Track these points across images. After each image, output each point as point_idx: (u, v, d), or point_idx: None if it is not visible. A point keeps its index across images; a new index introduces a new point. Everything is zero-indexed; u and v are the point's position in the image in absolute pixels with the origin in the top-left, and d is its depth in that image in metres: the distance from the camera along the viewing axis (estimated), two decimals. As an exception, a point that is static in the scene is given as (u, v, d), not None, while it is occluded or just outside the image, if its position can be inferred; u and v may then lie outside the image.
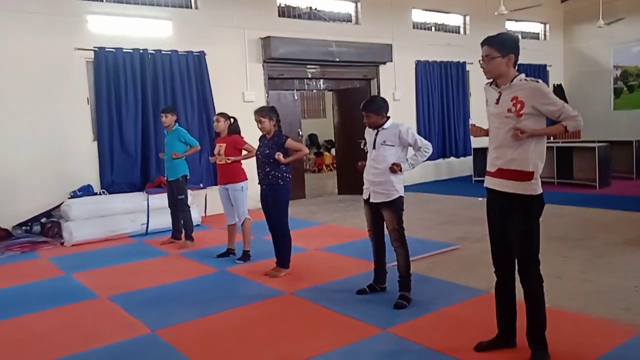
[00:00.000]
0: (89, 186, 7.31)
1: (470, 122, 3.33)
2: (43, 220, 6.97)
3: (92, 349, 3.48)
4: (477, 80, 11.83)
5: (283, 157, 4.79)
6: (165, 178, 6.45)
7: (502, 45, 2.92)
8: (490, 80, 3.05)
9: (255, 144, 5.32)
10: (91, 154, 7.45)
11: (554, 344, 2.99)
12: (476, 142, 10.45)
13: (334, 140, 16.04)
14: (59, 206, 7.02)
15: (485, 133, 3.15)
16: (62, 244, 6.70)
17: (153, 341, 3.58)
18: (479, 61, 3.00)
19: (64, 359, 3.36)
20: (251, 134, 5.77)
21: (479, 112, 11.81)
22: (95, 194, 7.29)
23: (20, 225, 6.87)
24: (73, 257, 6.13)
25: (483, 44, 2.97)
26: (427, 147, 4.06)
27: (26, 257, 6.22)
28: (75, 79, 7.33)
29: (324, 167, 15.32)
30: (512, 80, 2.92)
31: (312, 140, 17.27)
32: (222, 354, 3.34)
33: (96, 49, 7.37)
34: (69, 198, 7.04)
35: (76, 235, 6.63)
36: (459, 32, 12.23)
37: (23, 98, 6.90)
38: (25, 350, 3.56)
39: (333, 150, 14.90)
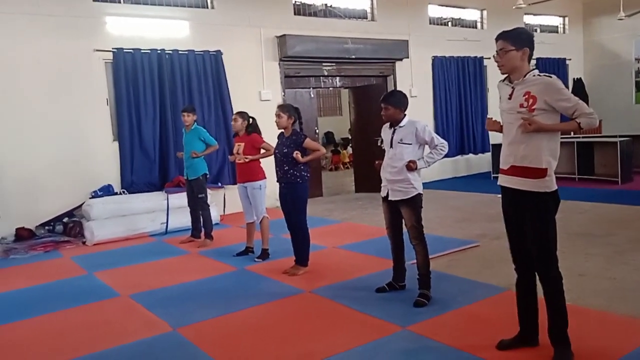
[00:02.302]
0: (110, 186, 7.41)
1: (488, 116, 3.30)
2: (65, 220, 7.09)
3: (115, 347, 3.53)
4: (495, 76, 11.56)
5: (301, 156, 4.80)
6: (185, 177, 6.51)
7: (516, 39, 2.90)
8: (504, 77, 3.02)
9: (273, 142, 5.34)
10: (111, 154, 7.55)
11: (577, 341, 2.96)
12: (494, 138, 10.34)
13: (349, 137, 16.12)
14: (80, 206, 7.13)
15: (500, 128, 3.12)
16: (84, 243, 6.80)
17: (174, 339, 3.62)
18: (494, 56, 2.98)
19: (88, 357, 3.41)
20: (269, 133, 5.79)
21: (497, 107, 11.68)
22: (116, 193, 7.38)
23: (43, 225, 6.99)
24: (95, 256, 6.22)
25: (498, 38, 2.95)
26: (444, 145, 4.03)
27: (49, 256, 6.32)
28: (95, 80, 7.43)
29: (341, 165, 15.29)
30: (525, 75, 2.89)
31: (329, 138, 17.26)
32: (243, 352, 3.37)
33: (115, 50, 7.46)
34: (90, 198, 7.15)
35: (97, 234, 6.73)
36: (476, 27, 12.12)
37: (44, 100, 7.01)
38: (50, 347, 3.62)
39: (349, 148, 14.90)
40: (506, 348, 3.09)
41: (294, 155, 4.79)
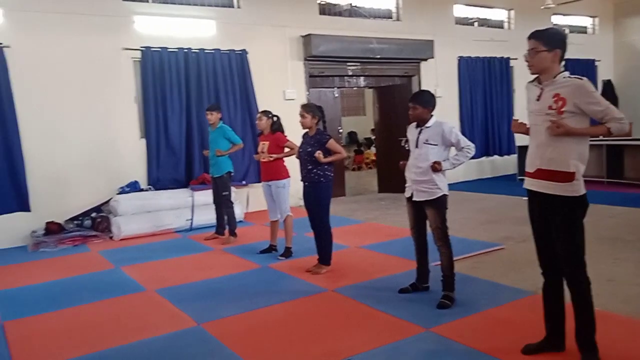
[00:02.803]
0: (136, 182, 7.53)
1: (514, 117, 3.26)
2: (93, 215, 7.23)
3: (142, 340, 3.60)
4: (522, 77, 11.46)
5: (323, 156, 4.81)
6: (210, 175, 6.58)
7: (549, 40, 2.85)
8: (533, 78, 2.98)
9: (297, 141, 5.37)
10: (138, 151, 7.67)
11: (605, 348, 2.91)
12: (520, 140, 10.20)
13: (372, 138, 16.06)
14: (108, 201, 7.27)
15: (526, 130, 3.08)
16: (111, 238, 6.94)
17: (199, 334, 3.67)
18: (524, 55, 2.94)
19: (116, 349, 3.49)
20: (293, 132, 5.82)
21: (524, 109, 11.49)
22: (142, 190, 7.50)
23: (72, 219, 7.14)
24: (121, 250, 6.34)
25: (530, 37, 2.90)
26: (470, 147, 3.99)
27: (78, 250, 6.47)
28: (123, 78, 7.56)
29: (364, 165, 15.26)
30: (555, 77, 2.84)
31: (352, 138, 17.24)
32: (267, 349, 3.39)
33: (143, 48, 7.58)
34: (117, 194, 7.28)
35: (124, 229, 6.86)
36: (502, 27, 11.96)
37: (74, 97, 7.16)
38: (79, 339, 3.70)
39: (373, 148, 14.85)
40: (532, 352, 3.05)
41: (316, 154, 4.80)
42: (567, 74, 2.85)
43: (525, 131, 3.07)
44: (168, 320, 3.95)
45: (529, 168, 2.98)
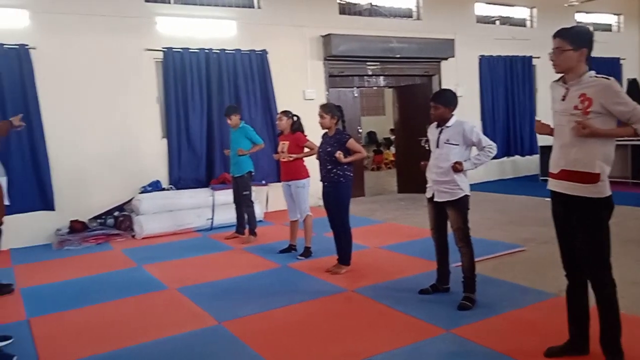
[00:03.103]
0: (158, 182, 7.62)
1: (538, 119, 3.21)
2: (116, 213, 7.34)
3: (164, 338, 3.65)
4: (544, 76, 11.38)
5: (343, 156, 4.81)
6: (231, 174, 6.63)
7: (575, 38, 2.80)
8: (558, 77, 2.94)
9: (317, 141, 5.37)
10: (160, 151, 7.77)
11: (630, 351, 2.86)
12: (543, 140, 10.05)
13: (391, 138, 15.99)
14: (130, 200, 7.37)
15: (550, 131, 3.03)
16: (133, 236, 7.04)
17: (220, 333, 3.71)
18: (549, 54, 2.89)
19: (138, 346, 3.54)
20: (313, 132, 5.83)
21: (546, 108, 11.33)
22: (164, 189, 7.59)
23: (95, 218, 7.26)
24: (144, 249, 6.42)
25: (555, 36, 2.85)
26: (492, 147, 3.94)
27: (101, 248, 6.58)
28: (145, 79, 7.65)
29: (383, 165, 15.21)
30: (581, 77, 2.79)
31: (371, 137, 17.18)
32: (287, 348, 3.41)
33: (164, 49, 7.66)
34: (139, 193, 7.38)
35: (146, 228, 6.95)
36: (525, 26, 11.81)
37: (97, 98, 7.27)
38: (103, 335, 3.77)
39: (392, 148, 14.79)
40: (554, 355, 3.01)
41: (336, 155, 4.80)
42: (593, 73, 2.80)
43: (550, 132, 3.02)
44: (189, 319, 4.00)
45: (553, 169, 2.94)
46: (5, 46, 6.63)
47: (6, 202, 3.79)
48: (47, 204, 6.94)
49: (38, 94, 6.83)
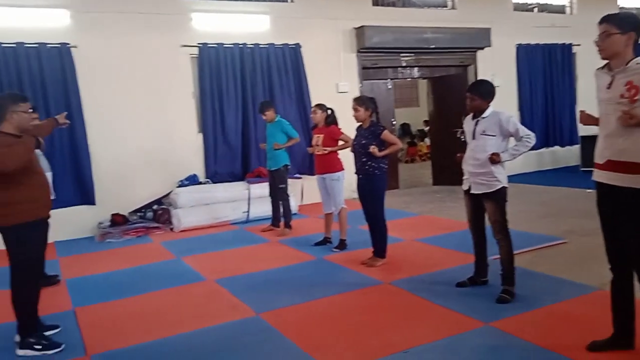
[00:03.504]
0: (195, 176, 7.76)
1: (580, 108, 3.11)
2: (155, 207, 7.51)
3: (204, 328, 3.73)
4: (585, 64, 11.04)
5: (378, 150, 4.79)
6: (267, 168, 6.69)
7: (622, 22, 2.70)
8: (602, 65, 2.84)
9: (350, 134, 5.37)
10: (196, 146, 7.89)
11: (679, 347, 2.77)
12: (584, 130, 9.77)
13: (424, 129, 15.80)
14: (168, 194, 7.53)
15: (596, 122, 2.94)
16: (171, 229, 7.19)
17: (258, 324, 3.76)
18: (595, 40, 2.80)
19: (178, 336, 3.63)
20: (347, 124, 5.83)
21: (587, 97, 10.98)
22: (200, 183, 7.72)
23: (135, 211, 7.45)
24: (182, 242, 6.56)
25: (602, 21, 2.75)
26: (530, 137, 3.84)
27: (141, 241, 6.75)
28: (181, 75, 7.78)
29: (418, 157, 15.07)
30: (627, 63, 2.69)
31: (405, 129, 17.03)
32: (324, 339, 3.43)
33: (200, 45, 7.77)
34: (177, 187, 7.53)
35: (184, 221, 7.09)
36: (564, 12, 11.46)
37: (135, 94, 7.43)
38: (144, 325, 3.88)
39: (427, 140, 14.62)
40: (598, 350, 2.94)
41: (370, 149, 4.78)
42: None
43: (595, 123, 2.93)
44: (228, 310, 4.07)
45: (598, 159, 2.85)
46: (48, 45, 6.84)
47: (52, 197, 3.91)
48: (88, 198, 7.14)
49: (80, 91, 7.03)
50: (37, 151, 3.76)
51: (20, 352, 3.46)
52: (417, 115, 16.88)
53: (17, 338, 3.53)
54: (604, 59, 2.81)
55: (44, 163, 4.57)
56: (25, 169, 3.39)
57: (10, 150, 3.30)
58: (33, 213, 3.48)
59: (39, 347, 3.46)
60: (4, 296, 3.85)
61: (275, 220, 6.77)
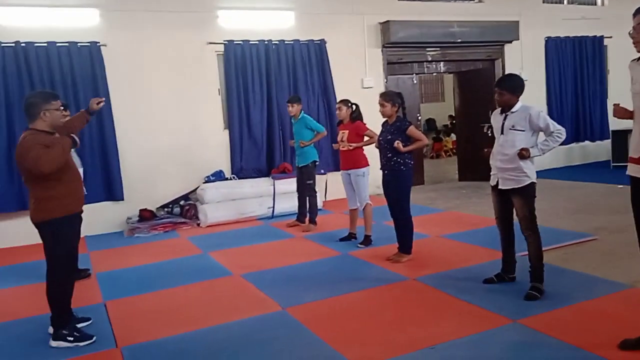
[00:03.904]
0: (221, 171, 7.84)
1: (611, 103, 3.03)
2: (182, 202, 7.61)
3: (230, 322, 3.77)
4: (617, 56, 10.77)
5: (403, 145, 4.76)
6: (296, 164, 6.69)
7: None
8: (637, 56, 2.76)
9: (375, 129, 5.35)
10: (222, 142, 7.97)
11: None
12: (615, 124, 9.54)
13: (449, 124, 15.63)
14: (195, 190, 7.63)
15: (631, 115, 2.87)
16: (198, 224, 7.28)
17: (284, 318, 3.79)
18: (629, 33, 2.73)
19: (206, 330, 3.67)
20: (372, 120, 5.81)
21: (619, 90, 10.72)
22: (226, 179, 7.79)
23: (162, 207, 7.57)
24: (208, 237, 6.64)
25: (636, 13, 2.69)
26: (560, 132, 3.77)
27: (168, 236, 6.85)
28: (208, 72, 7.85)
29: (443, 152, 14.92)
30: None
31: (430, 125, 16.89)
32: (350, 334, 3.44)
33: (226, 42, 7.83)
34: (203, 182, 7.62)
35: (210, 217, 7.17)
36: (595, 4, 11.18)
37: (163, 91, 7.54)
38: (173, 318, 3.94)
39: (452, 135, 14.47)
40: (630, 348, 2.88)
41: (395, 144, 4.75)
42: None
43: (630, 116, 2.86)
44: (254, 304, 4.11)
45: (634, 153, 2.78)
46: (78, 44, 6.99)
47: (84, 192, 4.00)
48: (116, 194, 7.27)
49: (109, 88, 7.16)
50: (71, 148, 3.84)
51: (54, 343, 3.55)
52: (442, 111, 16.73)
53: (51, 330, 3.64)
54: (639, 51, 2.73)
55: (76, 159, 4.67)
56: (55, 170, 3.47)
57: (47, 153, 3.37)
58: (68, 208, 3.57)
59: (72, 338, 3.55)
60: (37, 289, 3.96)
61: (301, 215, 6.80)
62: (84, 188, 4.08)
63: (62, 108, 3.61)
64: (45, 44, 6.81)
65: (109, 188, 7.26)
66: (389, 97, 4.95)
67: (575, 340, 3.07)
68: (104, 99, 4.62)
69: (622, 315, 3.37)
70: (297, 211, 6.90)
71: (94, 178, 6.99)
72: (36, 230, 3.59)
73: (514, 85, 3.86)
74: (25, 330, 3.89)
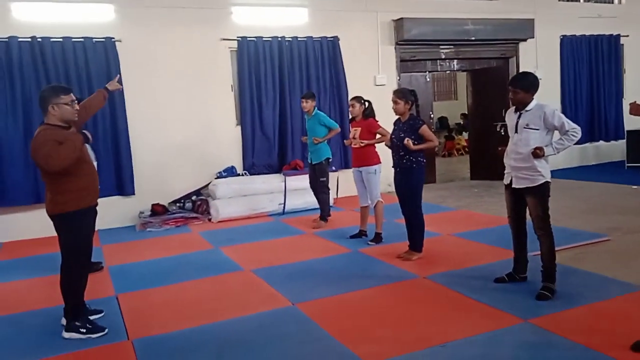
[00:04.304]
0: (233, 167, 7.87)
1: (627, 102, 3.01)
2: (194, 198, 7.66)
3: (241, 317, 3.79)
4: (633, 55, 10.65)
5: (413, 144, 4.74)
6: (309, 161, 6.66)
7: None
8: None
9: (388, 127, 5.33)
10: (235, 138, 8.00)
11: None
12: (630, 124, 9.44)
13: (462, 122, 15.53)
14: (207, 185, 7.67)
15: (647, 113, 2.84)
16: (209, 220, 7.32)
17: (294, 314, 3.80)
18: None
19: (216, 324, 3.70)
20: (384, 117, 5.80)
21: (636, 90, 10.60)
22: (238, 174, 7.82)
23: (174, 202, 7.62)
24: (220, 232, 6.67)
25: None
26: (575, 131, 3.73)
27: (180, 230, 6.90)
28: (221, 68, 7.89)
29: (455, 151, 14.84)
30: None
31: (442, 123, 16.79)
32: (360, 331, 3.44)
33: (239, 38, 7.85)
34: (215, 178, 7.65)
35: (222, 212, 7.21)
36: (612, 2, 11.04)
37: (176, 87, 7.58)
38: (184, 312, 3.97)
39: (464, 134, 14.38)
40: (643, 350, 2.86)
41: (405, 142, 4.74)
42: None
43: None
44: (265, 299, 4.12)
45: None
46: (93, 40, 7.05)
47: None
48: (128, 189, 7.33)
49: (123, 84, 7.20)
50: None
51: (66, 334, 3.60)
52: (455, 109, 16.62)
53: (64, 321, 3.68)
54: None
55: (91, 153, 4.71)
56: (77, 159, 3.50)
57: (57, 152, 3.38)
58: (83, 201, 3.61)
59: (84, 330, 3.59)
60: (51, 281, 4.01)
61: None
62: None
63: (75, 102, 3.61)
64: (61, 39, 6.89)
65: (121, 183, 7.32)
66: (402, 94, 4.93)
67: (586, 340, 3.05)
68: (120, 87, 4.57)
69: (634, 316, 3.34)
70: (308, 208, 6.87)
71: (106, 172, 7.05)
72: (51, 223, 3.64)
73: (528, 83, 3.83)
74: (38, 321, 3.95)
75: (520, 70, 9.44)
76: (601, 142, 10.72)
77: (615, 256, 4.68)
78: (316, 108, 6.62)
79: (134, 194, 7.36)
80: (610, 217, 6.12)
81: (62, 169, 3.42)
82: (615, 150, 10.65)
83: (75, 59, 6.96)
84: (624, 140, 9.91)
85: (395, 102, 4.89)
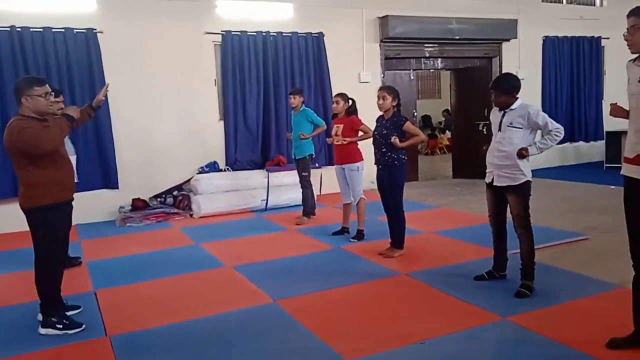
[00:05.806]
0: (215, 163, 7.81)
1: (607, 104, 3.05)
2: (175, 193, 7.58)
3: (221, 313, 3.77)
4: (614, 57, 10.78)
5: (399, 141, 4.76)
6: (293, 156, 6.67)
7: None
8: (634, 57, 2.77)
9: (371, 124, 5.34)
10: (217, 133, 7.93)
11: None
12: (610, 125, 9.58)
13: (444, 120, 15.64)
14: (188, 180, 7.60)
15: (626, 114, 2.88)
16: (191, 215, 7.26)
17: (275, 310, 3.79)
18: (624, 34, 2.74)
19: (197, 320, 3.67)
20: (368, 115, 5.80)
21: (615, 91, 10.73)
22: (221, 170, 7.77)
23: (156, 196, 7.53)
24: (201, 228, 6.62)
25: (630, 14, 2.70)
26: (559, 130, 3.79)
27: (161, 226, 6.83)
28: (205, 62, 7.81)
29: (438, 149, 14.94)
30: None
31: (426, 121, 16.89)
32: (340, 327, 3.45)
33: (223, 32, 7.78)
34: (197, 173, 7.59)
35: (204, 208, 7.15)
36: (594, 4, 11.19)
37: (159, 80, 7.47)
38: (163, 308, 3.93)
39: (448, 132, 14.48)
40: (618, 347, 2.90)
41: (392, 140, 4.75)
42: None
43: (625, 115, 2.87)
44: (245, 296, 4.10)
45: (628, 154, 2.79)
46: (74, 30, 6.92)
47: (75, 180, 3.97)
48: (110, 182, 7.24)
49: (105, 76, 7.10)
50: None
51: (43, 330, 3.54)
52: (438, 107, 16.74)
53: (40, 317, 3.62)
54: (633, 53, 2.75)
55: (68, 146, 4.64)
56: (51, 152, 3.44)
57: (48, 131, 3.34)
58: (57, 196, 3.54)
59: (61, 326, 3.53)
60: (27, 276, 3.94)
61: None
62: (76, 176, 4.04)
63: (50, 94, 3.51)
64: (41, 29, 6.75)
65: (104, 176, 7.22)
66: (390, 90, 4.94)
67: (563, 338, 3.09)
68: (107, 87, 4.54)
69: (610, 314, 3.40)
70: (291, 204, 6.87)
71: (88, 166, 6.95)
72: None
73: (509, 86, 3.87)
74: (14, 317, 3.88)
75: (503, 71, 9.54)
76: (581, 142, 10.88)
77: (593, 255, 4.75)
78: (304, 104, 6.60)
79: (117, 187, 7.26)
80: (588, 216, 6.21)
81: (52, 149, 3.37)
82: (594, 150, 10.82)
83: (55, 49, 6.82)
84: (604, 141, 10.06)
85: (383, 97, 4.89)
